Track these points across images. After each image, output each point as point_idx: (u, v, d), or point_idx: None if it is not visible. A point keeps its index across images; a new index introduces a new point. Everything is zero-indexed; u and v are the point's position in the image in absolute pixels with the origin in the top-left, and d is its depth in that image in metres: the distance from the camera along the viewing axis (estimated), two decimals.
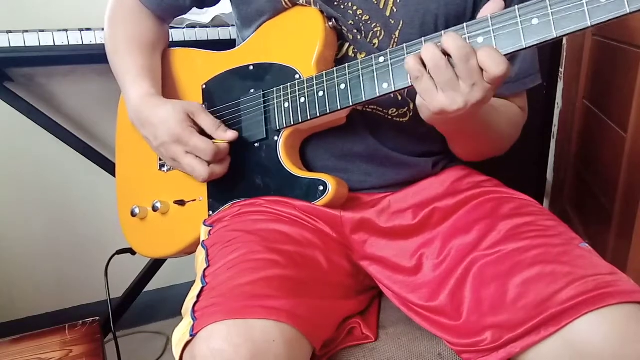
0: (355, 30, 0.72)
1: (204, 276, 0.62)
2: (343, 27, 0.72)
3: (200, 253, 0.70)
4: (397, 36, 0.72)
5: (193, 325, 0.53)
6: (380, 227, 0.74)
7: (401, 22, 0.72)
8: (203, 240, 0.72)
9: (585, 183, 1.36)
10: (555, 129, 1.60)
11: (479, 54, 0.53)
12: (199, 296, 0.58)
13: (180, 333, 0.56)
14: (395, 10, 0.71)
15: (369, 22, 0.73)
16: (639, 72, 0.97)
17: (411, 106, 0.76)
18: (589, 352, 0.50)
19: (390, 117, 0.76)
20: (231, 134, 0.76)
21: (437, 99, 0.56)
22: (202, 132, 0.76)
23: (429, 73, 0.56)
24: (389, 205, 0.75)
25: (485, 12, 0.56)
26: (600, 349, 0.50)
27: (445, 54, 0.55)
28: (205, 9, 1.28)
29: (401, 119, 0.76)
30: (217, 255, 0.65)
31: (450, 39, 0.54)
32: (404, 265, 0.71)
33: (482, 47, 0.54)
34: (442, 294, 0.65)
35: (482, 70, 0.54)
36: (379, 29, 0.72)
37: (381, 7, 0.72)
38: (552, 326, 0.53)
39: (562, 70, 1.54)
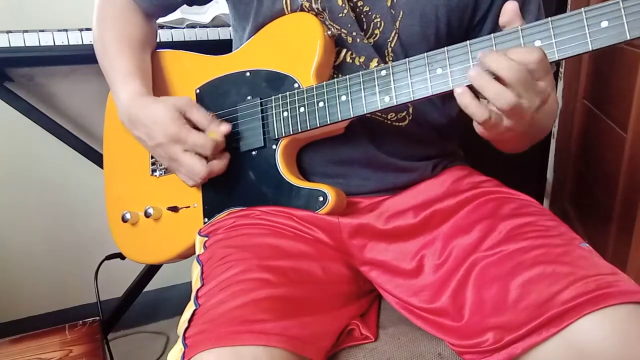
0: (355, 33, 0.72)
1: (196, 297, 0.61)
2: (342, 31, 0.72)
3: (196, 268, 0.69)
4: (397, 27, 0.71)
5: (184, 353, 0.53)
6: (379, 230, 0.73)
7: (401, 13, 0.70)
8: (198, 255, 0.71)
9: (585, 183, 1.36)
10: (555, 129, 1.60)
11: (511, 54, 0.52)
12: (190, 320, 0.58)
13: (174, 358, 0.55)
14: (395, 0, 0.71)
15: (370, 13, 0.71)
16: (639, 72, 0.97)
17: (410, 110, 0.75)
18: (590, 353, 0.51)
19: (389, 122, 0.75)
20: (225, 127, 0.73)
21: (502, 124, 0.56)
22: (195, 128, 0.74)
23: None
24: (388, 208, 0.75)
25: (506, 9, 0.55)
26: (601, 349, 0.50)
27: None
28: (205, 8, 1.29)
29: (400, 124, 0.75)
30: (210, 273, 0.64)
31: (495, 62, 0.52)
32: (405, 268, 0.71)
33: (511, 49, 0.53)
34: (444, 295, 0.65)
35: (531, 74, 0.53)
36: (379, 19, 0.71)
37: None
38: (553, 327, 0.53)
39: (562, 70, 1.54)
